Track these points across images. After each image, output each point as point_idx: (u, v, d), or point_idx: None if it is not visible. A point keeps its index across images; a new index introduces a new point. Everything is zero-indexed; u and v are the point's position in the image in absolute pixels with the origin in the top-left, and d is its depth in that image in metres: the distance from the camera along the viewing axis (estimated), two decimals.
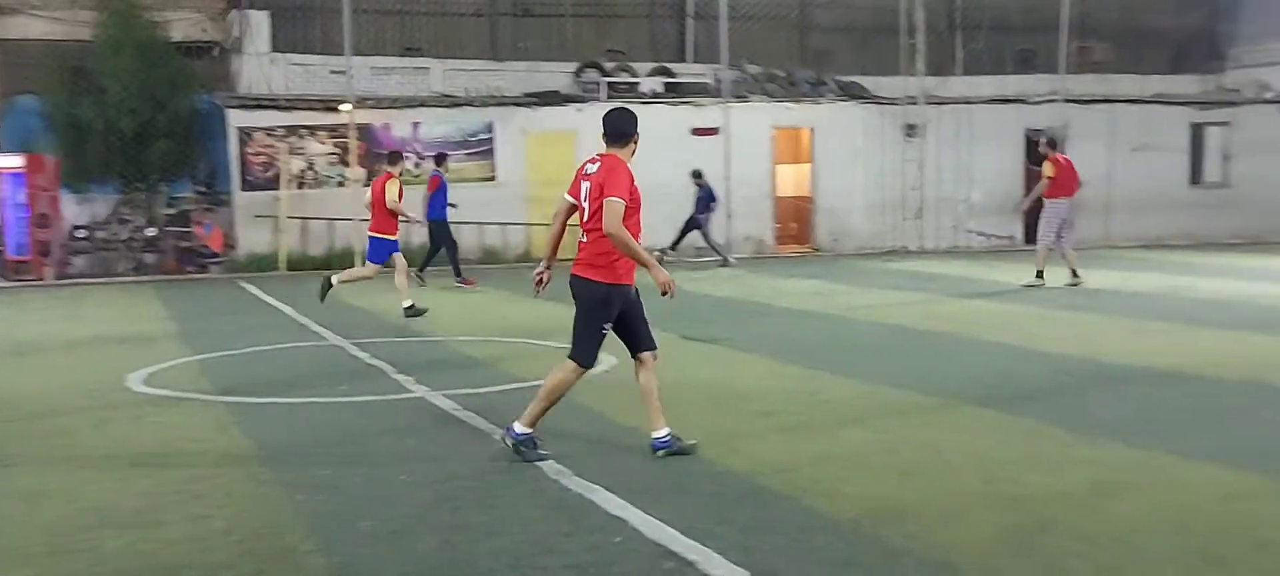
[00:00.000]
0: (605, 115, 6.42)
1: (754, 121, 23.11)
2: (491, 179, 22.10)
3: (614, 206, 5.96)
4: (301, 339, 11.56)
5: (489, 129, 22.14)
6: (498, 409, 7.58)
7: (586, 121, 22.48)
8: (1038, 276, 15.47)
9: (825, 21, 26.89)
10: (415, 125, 21.75)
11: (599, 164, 6.19)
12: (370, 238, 13.09)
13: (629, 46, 25.23)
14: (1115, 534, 4.73)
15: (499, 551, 4.67)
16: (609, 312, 6.20)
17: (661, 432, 6.25)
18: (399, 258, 12.95)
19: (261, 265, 20.55)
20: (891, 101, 24.13)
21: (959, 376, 8.61)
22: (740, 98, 23.38)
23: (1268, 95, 26.61)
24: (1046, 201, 15.41)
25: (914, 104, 23.73)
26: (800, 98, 24.16)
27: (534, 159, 22.36)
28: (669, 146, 21.41)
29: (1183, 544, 4.60)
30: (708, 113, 22.85)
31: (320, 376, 9.15)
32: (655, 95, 23.27)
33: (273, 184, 20.90)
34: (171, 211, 21.60)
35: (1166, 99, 26.09)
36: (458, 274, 16.65)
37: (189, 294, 17.10)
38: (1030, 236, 24.86)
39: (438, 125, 21.86)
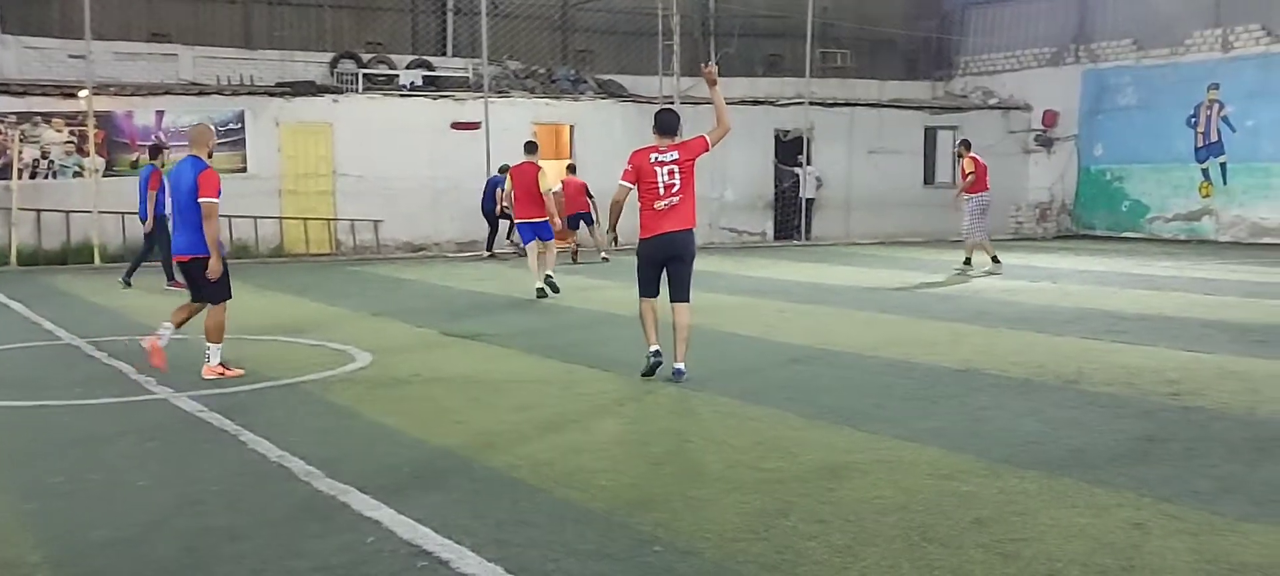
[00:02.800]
0: (659, 113, 8.62)
1: (514, 117, 23.15)
2: (243, 170, 21.26)
3: (704, 142, 8.43)
4: (33, 338, 10.84)
5: (240, 119, 21.29)
6: (247, 409, 7.37)
7: (343, 113, 22.01)
8: (966, 263, 17.78)
9: (586, 22, 27.29)
10: (159, 114, 20.66)
11: (672, 151, 8.25)
12: (538, 222, 14.13)
13: (389, 39, 24.83)
14: (846, 515, 5.05)
15: (244, 555, 4.56)
16: None
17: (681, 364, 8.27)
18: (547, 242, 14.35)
19: None
20: (649, 100, 24.65)
21: (706, 366, 8.94)
22: (501, 93, 23.39)
23: (991, 101, 28.75)
24: (967, 197, 17.62)
25: (671, 103, 24.33)
26: (560, 94, 24.39)
27: (288, 150, 21.69)
28: (428, 140, 21.21)
29: (906, 522, 4.94)
30: (468, 107, 22.75)
31: (53, 378, 8.62)
32: (414, 88, 22.98)
33: (3, 174, 19.43)
34: None
35: (902, 104, 27.79)
36: (170, 277, 14.98)
37: None
38: (779, 232, 26.09)
39: (185, 114, 20.83)
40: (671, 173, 8.21)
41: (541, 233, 14.30)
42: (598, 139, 23.97)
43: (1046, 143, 28.01)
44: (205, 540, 4.75)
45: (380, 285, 16.60)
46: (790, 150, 26.15)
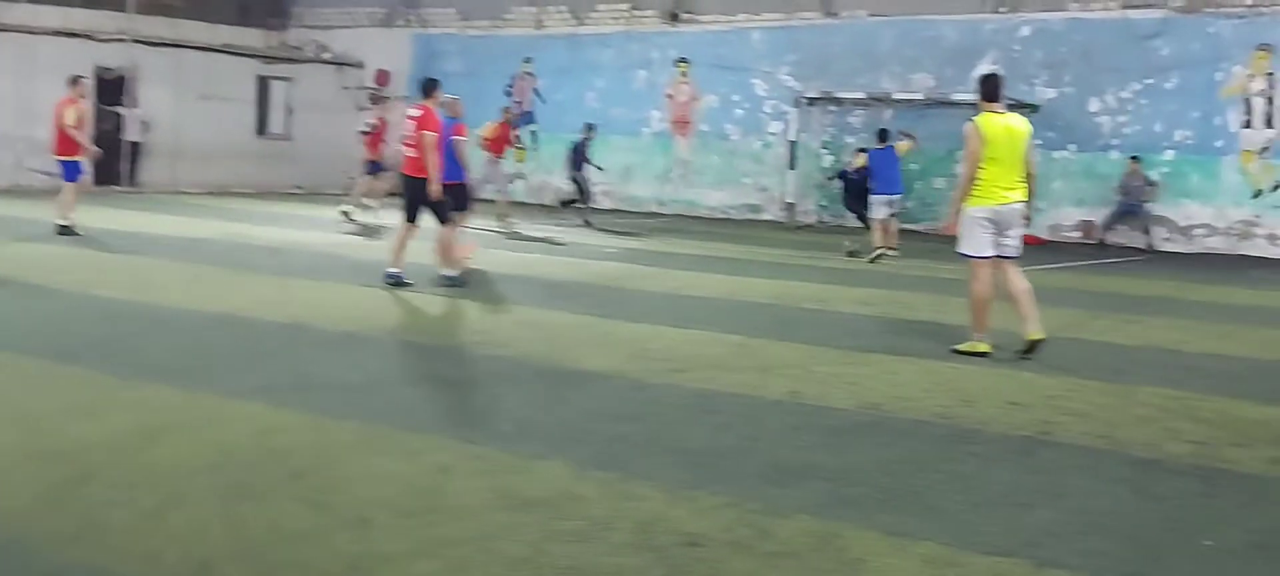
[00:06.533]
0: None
1: None
2: None
3: (428, 139, 10.72)
4: None
5: None
6: None
7: None
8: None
9: None
10: None
11: (418, 118, 10.83)
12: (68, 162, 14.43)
13: None
14: (157, 478, 4.86)
15: None
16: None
17: (396, 269, 10.88)
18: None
19: None
20: None
21: (12, 326, 8.11)
22: None
23: (325, 56, 28.92)
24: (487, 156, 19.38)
25: None
26: None
27: None
28: None
29: (222, 480, 4.86)
30: None
31: None
32: None
33: None
34: None
35: (234, 50, 26.98)
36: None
37: None
38: (100, 178, 24.03)
39: None
40: (408, 131, 10.87)
41: (66, 171, 14.54)
42: None
43: (378, 101, 28.78)
44: None
45: None
46: (112, 90, 24.25)
